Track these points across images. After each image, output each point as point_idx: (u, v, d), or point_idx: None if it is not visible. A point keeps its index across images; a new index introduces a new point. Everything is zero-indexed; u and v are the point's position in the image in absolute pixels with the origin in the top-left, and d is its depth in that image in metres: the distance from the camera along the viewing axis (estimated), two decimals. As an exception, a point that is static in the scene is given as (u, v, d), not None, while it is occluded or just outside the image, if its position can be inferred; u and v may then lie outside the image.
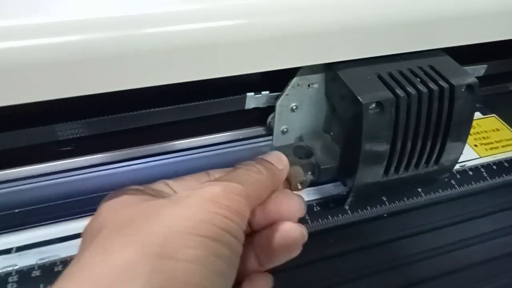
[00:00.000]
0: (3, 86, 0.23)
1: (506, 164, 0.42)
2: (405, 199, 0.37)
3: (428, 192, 0.38)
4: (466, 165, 0.41)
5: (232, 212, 0.21)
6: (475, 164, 0.41)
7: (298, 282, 0.32)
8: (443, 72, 0.31)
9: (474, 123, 0.46)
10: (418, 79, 0.30)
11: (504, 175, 0.40)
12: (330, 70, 0.32)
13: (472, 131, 0.45)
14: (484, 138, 0.45)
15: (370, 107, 0.29)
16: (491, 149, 0.43)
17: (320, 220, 0.35)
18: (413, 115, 0.30)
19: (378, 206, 0.37)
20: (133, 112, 0.32)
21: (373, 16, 0.29)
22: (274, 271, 0.26)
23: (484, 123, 0.47)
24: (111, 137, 0.31)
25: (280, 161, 0.28)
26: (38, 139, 0.30)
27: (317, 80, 0.33)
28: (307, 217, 0.36)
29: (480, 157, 0.42)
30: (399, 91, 0.29)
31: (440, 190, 0.38)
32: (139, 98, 0.32)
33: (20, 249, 0.32)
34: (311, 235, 0.34)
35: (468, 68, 0.39)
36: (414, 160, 0.32)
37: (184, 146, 0.36)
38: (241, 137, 0.37)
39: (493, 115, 0.48)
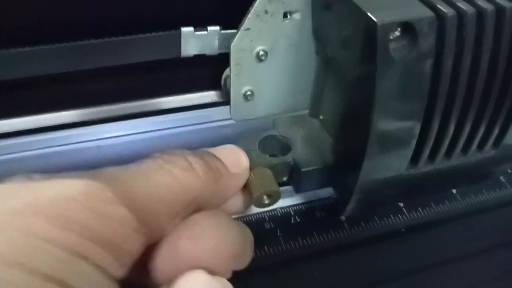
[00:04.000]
0: None
1: None
2: (432, 205, 0.24)
3: (467, 195, 0.25)
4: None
5: (83, 234, 0.10)
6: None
7: None
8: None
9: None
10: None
11: None
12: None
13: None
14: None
15: (391, 33, 0.15)
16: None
17: (300, 239, 0.22)
18: (467, 49, 0.16)
19: (392, 217, 0.24)
20: None
21: None
22: None
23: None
24: None
25: (236, 160, 0.17)
26: None
27: (298, 5, 0.20)
28: (279, 234, 0.22)
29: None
30: (443, 7, 0.16)
31: (484, 191, 0.25)
32: None
33: None
34: (284, 263, 0.21)
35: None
36: (462, 138, 0.19)
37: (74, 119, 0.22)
38: (177, 106, 0.23)
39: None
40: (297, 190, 0.21)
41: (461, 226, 0.24)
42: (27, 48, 0.19)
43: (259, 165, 0.19)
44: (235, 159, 0.17)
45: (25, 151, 0.24)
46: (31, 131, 0.24)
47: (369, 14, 0.15)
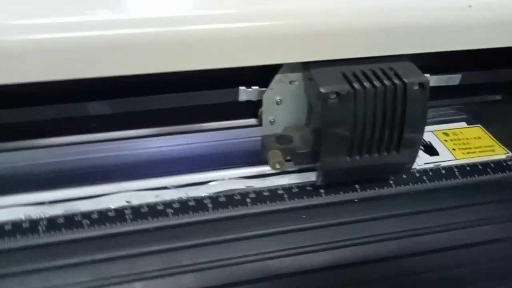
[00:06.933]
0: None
1: (479, 166, 0.45)
2: (376, 188, 0.42)
3: (399, 184, 0.43)
4: (441, 165, 0.45)
5: None
6: (450, 165, 0.45)
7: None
8: (400, 73, 0.36)
9: (457, 131, 0.51)
10: (377, 78, 0.36)
11: (476, 175, 0.44)
12: (306, 69, 0.38)
13: (453, 137, 0.49)
14: (464, 144, 0.49)
15: (330, 97, 0.35)
16: (468, 153, 0.47)
17: (296, 198, 0.41)
18: (369, 105, 0.35)
19: (350, 192, 0.42)
20: (138, 97, 0.40)
21: (346, 22, 0.36)
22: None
23: (467, 132, 0.51)
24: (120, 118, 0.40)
25: None
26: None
27: (297, 78, 0.40)
28: (285, 196, 0.41)
29: (456, 159, 0.46)
30: (356, 85, 0.35)
31: (410, 183, 0.43)
32: (147, 84, 0.41)
33: (51, 202, 0.41)
34: (286, 210, 0.41)
35: (443, 77, 0.44)
36: (374, 146, 0.37)
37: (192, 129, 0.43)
38: (237, 125, 0.44)
39: (479, 125, 0.52)
40: (295, 164, 0.40)
41: (391, 202, 0.42)
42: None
43: (273, 149, 0.39)
44: None
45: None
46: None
47: (319, 87, 0.35)
